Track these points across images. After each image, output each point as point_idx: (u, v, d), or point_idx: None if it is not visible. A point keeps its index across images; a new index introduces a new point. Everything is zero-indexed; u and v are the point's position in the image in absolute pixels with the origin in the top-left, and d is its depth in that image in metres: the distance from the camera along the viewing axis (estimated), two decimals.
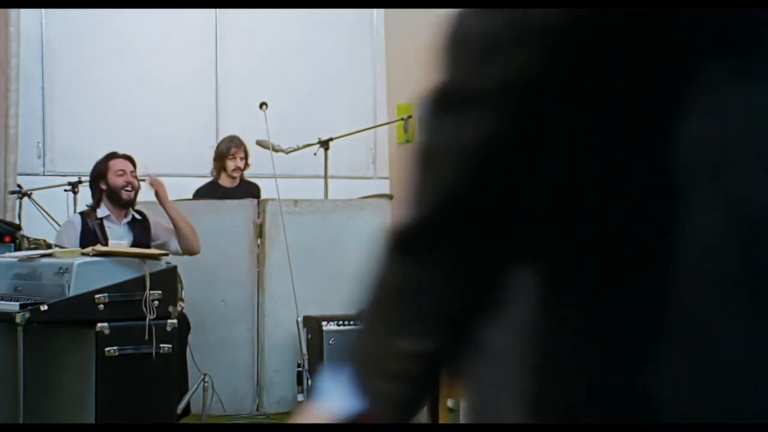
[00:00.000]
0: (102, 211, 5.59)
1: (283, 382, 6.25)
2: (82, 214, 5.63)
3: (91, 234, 5.45)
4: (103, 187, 5.60)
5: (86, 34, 7.17)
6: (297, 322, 5.86)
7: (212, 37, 7.56)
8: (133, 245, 5.53)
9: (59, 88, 7.11)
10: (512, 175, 1.07)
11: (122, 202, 5.59)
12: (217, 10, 7.55)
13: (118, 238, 5.43)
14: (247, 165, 6.86)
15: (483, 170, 1.07)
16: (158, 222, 5.71)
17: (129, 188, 5.59)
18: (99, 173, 5.62)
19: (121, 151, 5.75)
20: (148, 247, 5.59)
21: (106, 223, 5.58)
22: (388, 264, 1.15)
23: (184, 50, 7.37)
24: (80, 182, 6.23)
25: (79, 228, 5.54)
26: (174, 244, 5.69)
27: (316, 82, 7.78)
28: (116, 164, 5.60)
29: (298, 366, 5.71)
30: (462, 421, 4.92)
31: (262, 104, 5.94)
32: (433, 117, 1.10)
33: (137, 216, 5.69)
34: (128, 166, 5.62)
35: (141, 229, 5.67)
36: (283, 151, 6.50)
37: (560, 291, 1.11)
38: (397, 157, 7.90)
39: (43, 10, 7.06)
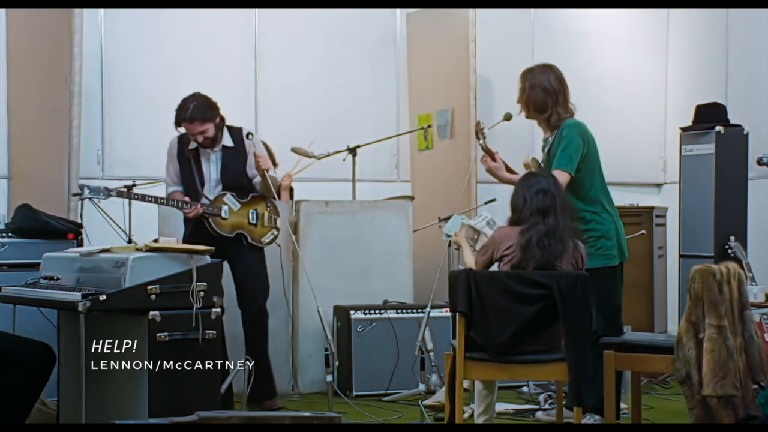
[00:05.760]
0: (192, 144, 5.52)
1: (315, 365, 6.26)
2: (179, 137, 5.55)
3: (185, 160, 5.49)
4: None
5: (140, 54, 7.14)
6: (319, 311, 5.73)
7: (252, 57, 7.50)
8: (223, 172, 5.52)
9: (116, 102, 7.09)
10: None
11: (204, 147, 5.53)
12: (257, 33, 7.48)
13: (211, 163, 5.50)
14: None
15: None
16: (257, 154, 5.61)
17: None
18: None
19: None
20: (243, 171, 5.55)
21: (200, 150, 5.52)
22: None
23: (227, 68, 7.32)
24: (134, 185, 6.22)
25: (175, 151, 5.54)
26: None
27: (345, 96, 7.73)
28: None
29: (326, 350, 5.66)
30: (475, 399, 4.87)
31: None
32: None
33: (229, 144, 5.57)
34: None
35: (232, 157, 5.58)
36: (315, 157, 6.52)
37: None
38: (417, 162, 7.87)
39: (102, 33, 7.03)
